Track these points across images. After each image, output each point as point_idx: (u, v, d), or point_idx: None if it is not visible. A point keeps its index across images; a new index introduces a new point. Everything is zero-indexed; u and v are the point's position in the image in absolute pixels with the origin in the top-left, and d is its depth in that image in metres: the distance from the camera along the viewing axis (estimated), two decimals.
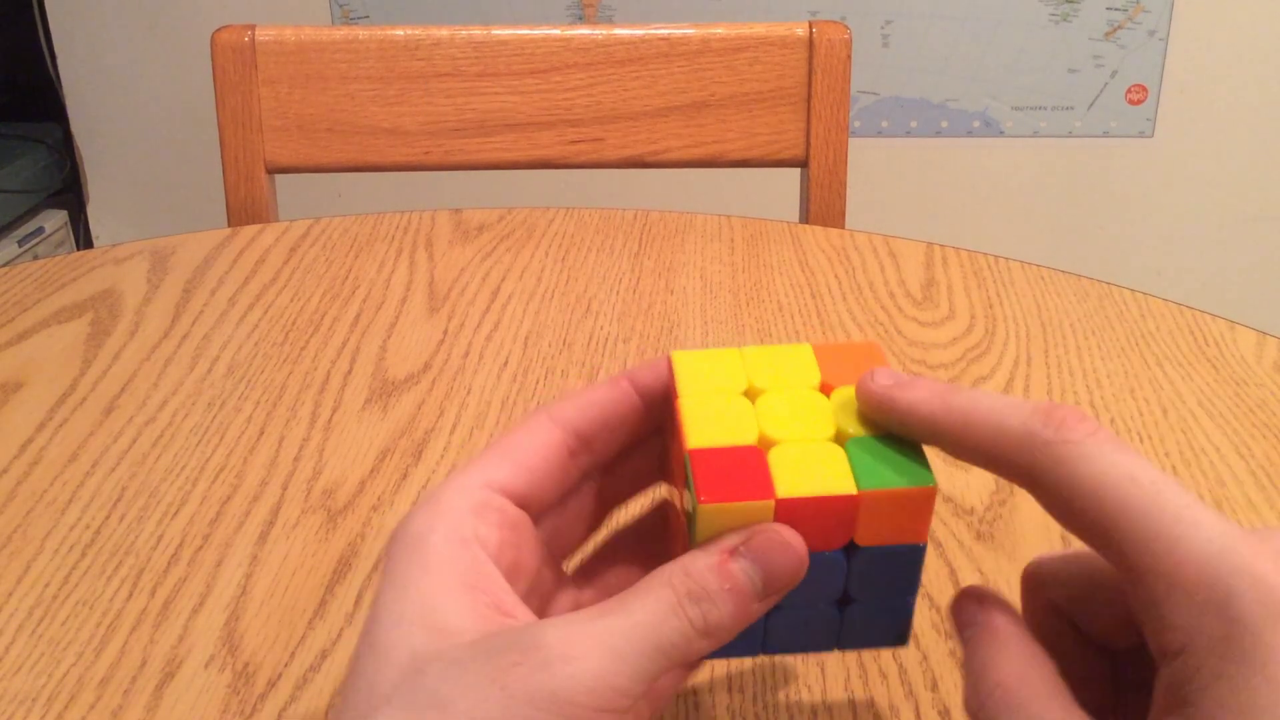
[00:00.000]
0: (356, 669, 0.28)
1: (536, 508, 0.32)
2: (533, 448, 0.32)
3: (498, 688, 0.25)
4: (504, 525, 0.31)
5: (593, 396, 0.33)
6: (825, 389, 0.32)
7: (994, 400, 0.29)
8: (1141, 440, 0.55)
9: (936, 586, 0.45)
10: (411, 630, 0.27)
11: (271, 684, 0.41)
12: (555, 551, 0.34)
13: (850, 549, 0.30)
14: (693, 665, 0.29)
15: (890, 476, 0.29)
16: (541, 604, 0.33)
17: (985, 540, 0.48)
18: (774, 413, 0.31)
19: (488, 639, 0.27)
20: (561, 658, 0.26)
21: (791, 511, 0.29)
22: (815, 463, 0.29)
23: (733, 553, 0.28)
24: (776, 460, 0.29)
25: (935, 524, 0.49)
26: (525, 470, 0.32)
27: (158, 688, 0.41)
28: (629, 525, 0.36)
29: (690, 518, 0.29)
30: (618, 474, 0.35)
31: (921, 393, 0.30)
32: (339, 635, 0.44)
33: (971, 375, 0.61)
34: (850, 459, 0.29)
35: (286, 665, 0.42)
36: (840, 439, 0.30)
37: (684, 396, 0.31)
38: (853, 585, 0.30)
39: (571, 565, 0.36)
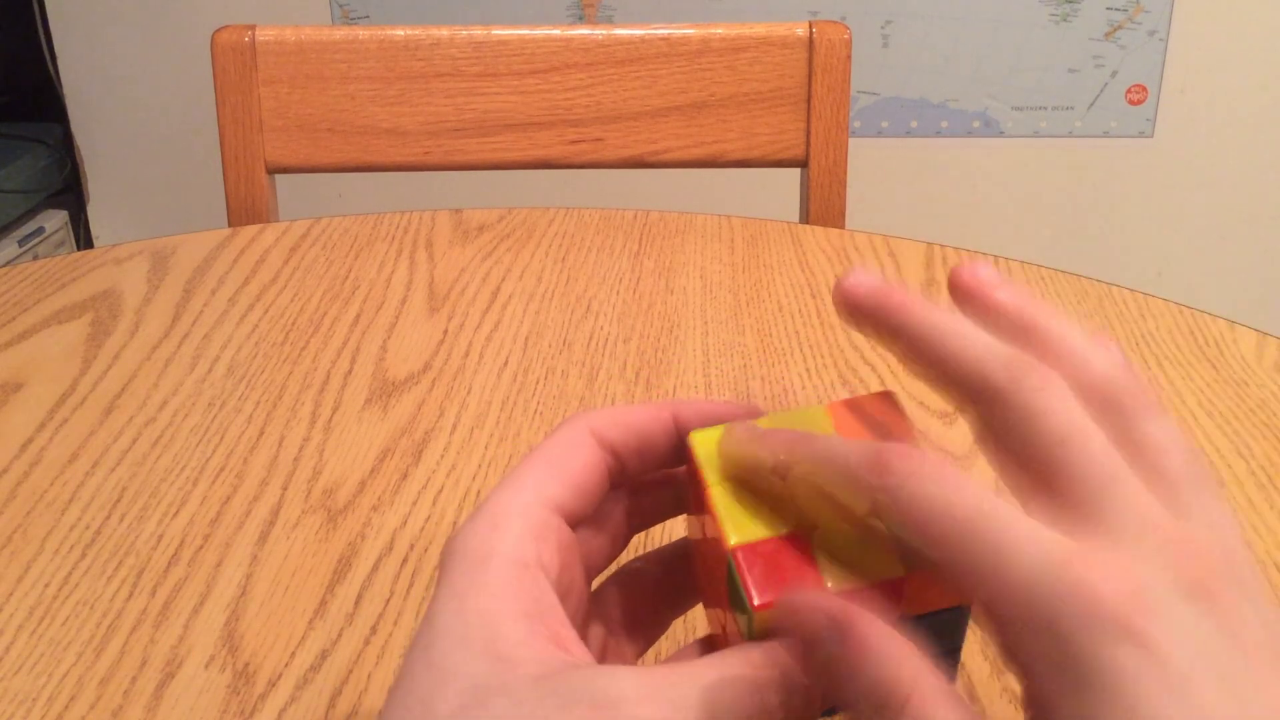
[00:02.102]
0: (411, 685, 0.27)
1: (576, 526, 0.32)
2: (579, 464, 0.32)
3: None
4: (561, 548, 0.30)
5: (634, 418, 0.33)
6: None
7: (837, 445, 0.28)
8: None
9: None
10: (473, 656, 0.27)
11: (271, 684, 0.41)
12: (585, 572, 0.34)
13: (899, 619, 0.29)
14: None
15: None
16: (581, 631, 0.32)
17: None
18: (805, 491, 0.30)
19: (555, 679, 0.26)
20: (630, 704, 0.25)
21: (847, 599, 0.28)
22: (858, 546, 0.29)
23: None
24: (821, 549, 0.29)
25: None
26: (576, 488, 0.31)
27: (158, 688, 0.41)
28: (644, 557, 0.36)
29: (743, 613, 0.29)
30: (646, 497, 0.35)
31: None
32: (339, 635, 0.44)
33: None
34: (891, 536, 0.29)
35: (286, 665, 0.42)
36: (871, 520, 0.29)
37: (713, 485, 0.31)
38: None
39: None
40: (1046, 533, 0.24)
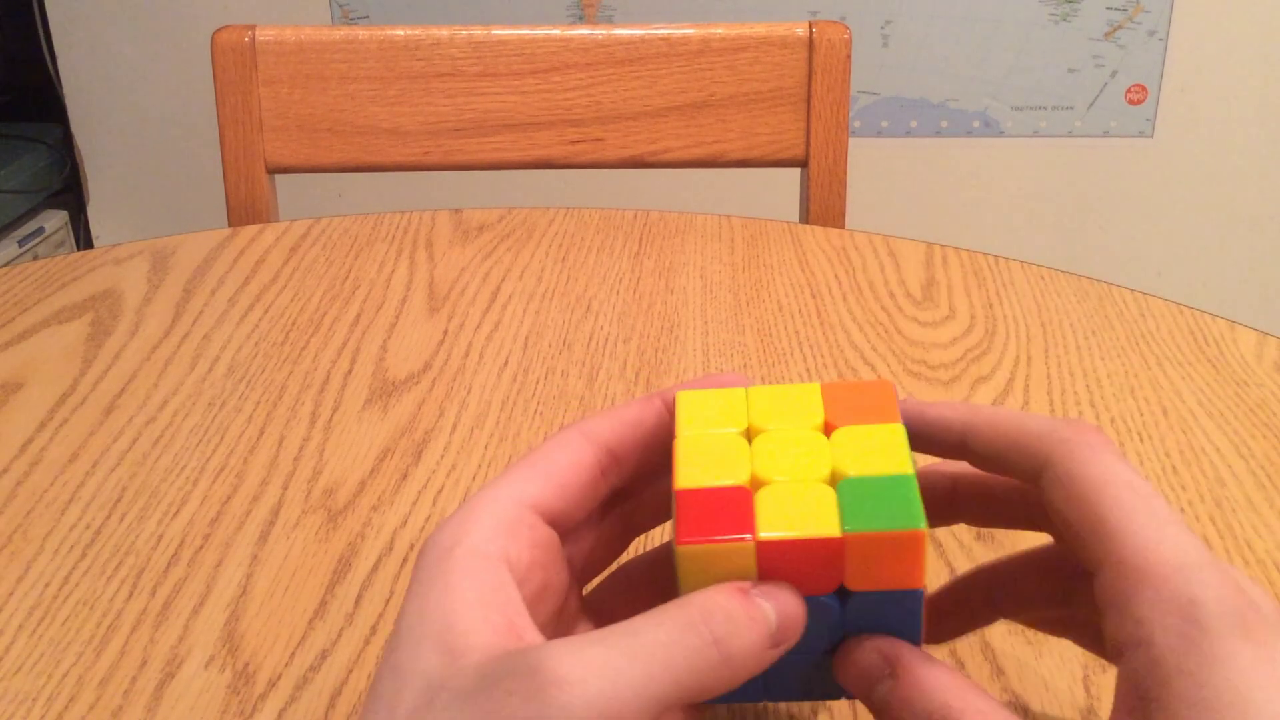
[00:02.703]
0: (379, 688, 0.27)
1: (565, 527, 0.32)
2: (566, 464, 0.31)
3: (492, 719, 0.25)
4: (535, 545, 0.30)
5: (625, 414, 0.33)
6: (828, 429, 0.31)
7: (1012, 411, 0.32)
8: (1141, 440, 0.55)
9: (936, 586, 0.45)
10: (426, 653, 0.27)
11: (271, 684, 0.41)
12: (577, 575, 0.34)
13: (843, 594, 0.29)
14: (698, 709, 0.28)
15: (878, 518, 0.28)
16: (565, 630, 0.32)
17: (985, 540, 0.48)
18: (769, 453, 0.30)
19: (491, 664, 0.26)
20: (557, 682, 0.24)
21: (774, 553, 0.28)
22: (803, 504, 0.28)
23: (747, 590, 0.28)
24: (764, 501, 0.29)
25: None
26: (558, 487, 0.31)
27: (158, 688, 0.41)
28: (645, 556, 0.36)
29: (674, 559, 0.29)
30: (644, 499, 0.35)
31: (945, 409, 0.33)
32: (339, 635, 0.44)
33: (971, 375, 0.61)
34: (840, 500, 0.28)
35: (286, 665, 0.42)
36: (835, 480, 0.29)
37: (680, 436, 0.31)
38: (850, 631, 0.30)
39: (585, 591, 0.35)
40: (1200, 543, 0.28)
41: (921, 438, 0.33)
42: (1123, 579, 0.27)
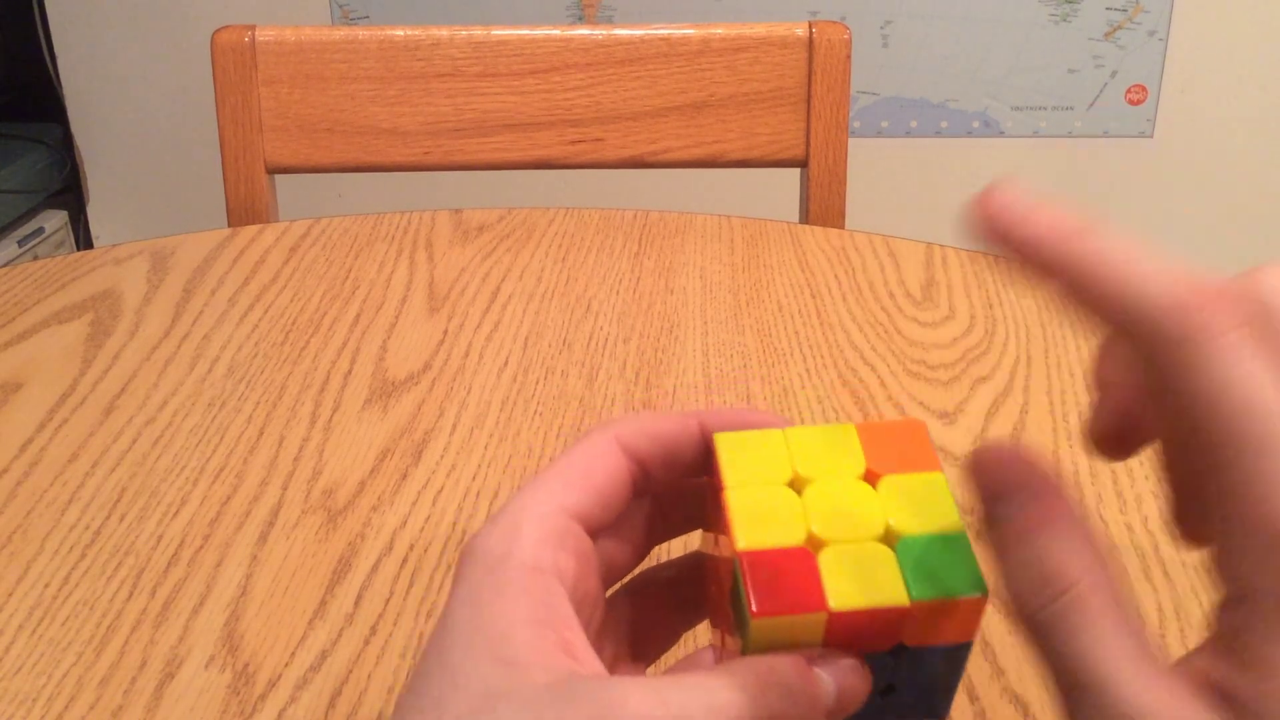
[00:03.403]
0: (424, 685, 0.27)
1: (596, 533, 0.32)
2: (603, 472, 0.31)
3: None
4: (579, 555, 0.30)
5: (661, 428, 0.33)
6: (870, 476, 0.31)
7: (1134, 258, 0.25)
8: None
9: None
10: (484, 660, 0.27)
11: (271, 684, 0.41)
12: (603, 581, 0.34)
13: (898, 648, 0.30)
14: None
15: (942, 584, 0.28)
16: (595, 640, 0.32)
17: (986, 540, 0.48)
18: (821, 508, 0.30)
19: (563, 686, 0.26)
20: (633, 716, 0.25)
21: (843, 622, 0.28)
22: (866, 569, 0.29)
23: (813, 663, 0.28)
24: (828, 567, 0.29)
25: None
26: (598, 497, 0.31)
27: (158, 688, 0.41)
28: (664, 566, 0.36)
29: (741, 621, 0.29)
30: (668, 509, 0.35)
31: (1044, 227, 0.26)
32: (339, 635, 0.44)
33: (972, 375, 0.61)
34: (901, 563, 0.29)
35: (286, 665, 0.42)
36: (889, 537, 0.29)
37: (730, 489, 0.31)
38: (898, 679, 0.30)
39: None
40: None
41: (1014, 246, 0.27)
42: (1232, 526, 0.23)
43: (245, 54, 0.91)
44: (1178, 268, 0.24)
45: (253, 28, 0.91)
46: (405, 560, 0.48)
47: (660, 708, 0.26)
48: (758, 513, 0.30)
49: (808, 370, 0.62)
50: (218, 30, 0.91)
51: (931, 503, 0.30)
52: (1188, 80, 1.82)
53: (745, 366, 0.62)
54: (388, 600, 0.45)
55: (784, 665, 0.28)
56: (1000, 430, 0.56)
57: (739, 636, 0.29)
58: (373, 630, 0.44)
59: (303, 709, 0.40)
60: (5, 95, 1.99)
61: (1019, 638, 0.42)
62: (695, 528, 0.35)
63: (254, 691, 0.41)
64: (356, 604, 0.45)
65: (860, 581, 0.28)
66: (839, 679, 0.28)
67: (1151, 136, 1.85)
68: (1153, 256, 0.25)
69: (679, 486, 0.34)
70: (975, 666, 0.42)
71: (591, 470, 0.31)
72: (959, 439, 0.55)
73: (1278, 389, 0.23)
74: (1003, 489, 0.26)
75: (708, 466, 0.32)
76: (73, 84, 1.97)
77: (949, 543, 0.29)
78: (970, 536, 0.29)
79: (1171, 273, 0.24)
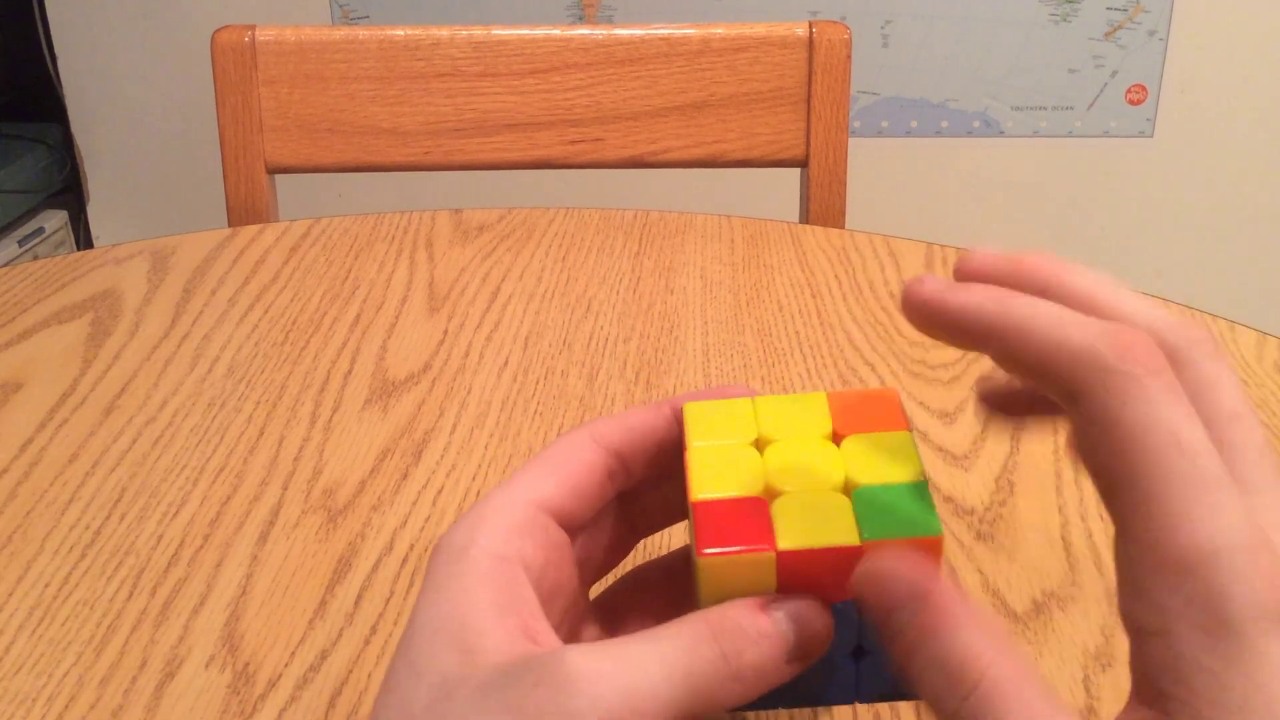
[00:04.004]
0: (392, 682, 0.27)
1: (573, 529, 0.32)
2: (575, 465, 0.32)
3: (516, 712, 0.25)
4: (548, 545, 0.30)
5: (633, 419, 0.33)
6: (836, 438, 0.31)
7: (1057, 312, 0.26)
8: None
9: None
10: (444, 649, 0.27)
11: (271, 684, 0.41)
12: (583, 577, 0.34)
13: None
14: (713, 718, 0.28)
15: (895, 526, 0.28)
16: (573, 630, 0.33)
17: (985, 540, 0.48)
18: (781, 463, 0.30)
19: (513, 663, 0.26)
20: (585, 676, 0.25)
21: (794, 563, 0.28)
22: (820, 513, 0.29)
23: (766, 605, 0.28)
24: (780, 511, 0.29)
25: None
26: (570, 490, 0.31)
27: (158, 688, 0.41)
28: (653, 561, 0.36)
29: (693, 569, 0.29)
30: (649, 502, 0.35)
31: (975, 296, 0.28)
32: (339, 635, 0.44)
33: (972, 375, 0.61)
34: (855, 509, 0.29)
35: (286, 665, 0.42)
36: (848, 489, 0.30)
37: (692, 447, 0.31)
38: (866, 637, 0.30)
39: (593, 594, 0.35)
40: (1238, 505, 0.24)
41: (941, 328, 0.29)
42: (1145, 558, 0.24)
43: (245, 54, 0.91)
44: (1093, 321, 0.26)
45: (253, 28, 0.91)
46: (405, 560, 0.48)
47: (608, 662, 0.26)
48: (716, 467, 0.30)
49: (808, 370, 0.62)
50: (218, 30, 0.91)
51: (895, 457, 0.30)
52: (1188, 80, 1.82)
53: (745, 366, 0.62)
54: (388, 600, 0.45)
55: (733, 609, 0.28)
56: (1000, 430, 0.56)
57: (695, 593, 0.29)
58: (373, 630, 0.44)
59: (303, 709, 0.40)
60: (5, 95, 1.99)
61: (1019, 638, 0.43)
62: (677, 520, 0.35)
63: (254, 691, 0.41)
64: (356, 604, 0.45)
65: (812, 525, 0.29)
66: (796, 619, 0.28)
67: (1151, 136, 1.85)
68: (1066, 312, 0.26)
69: (662, 480, 0.34)
70: None
71: (563, 464, 0.32)
72: (959, 439, 0.55)
73: (1188, 427, 0.24)
74: (891, 602, 0.26)
75: (681, 444, 0.33)
76: (73, 84, 1.97)
77: (907, 490, 0.29)
78: (931, 488, 0.29)
79: (1089, 326, 0.25)
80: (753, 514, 0.29)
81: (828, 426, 0.31)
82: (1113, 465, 0.25)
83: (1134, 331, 0.25)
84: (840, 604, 0.29)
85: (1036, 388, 0.27)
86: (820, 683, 0.31)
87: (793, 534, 0.28)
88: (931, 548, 0.28)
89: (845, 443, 0.31)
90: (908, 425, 0.31)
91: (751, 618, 0.27)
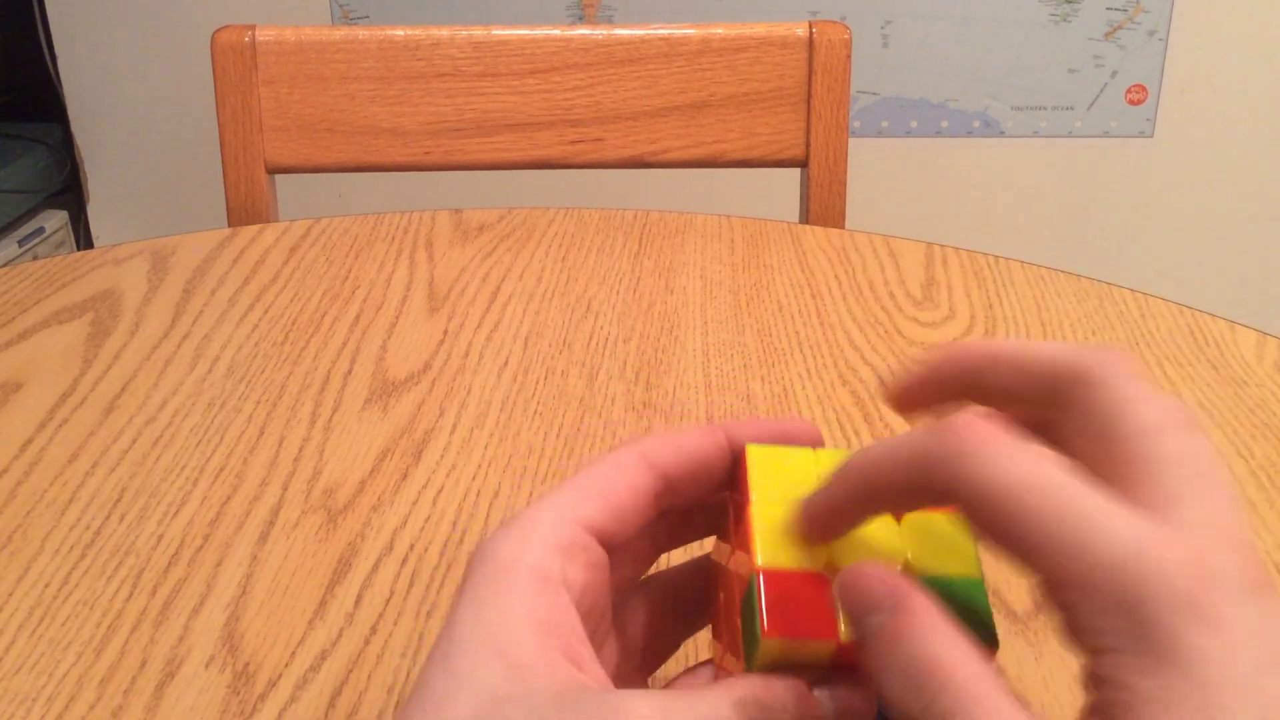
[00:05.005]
0: (428, 689, 0.27)
1: (612, 548, 0.32)
2: (625, 488, 0.31)
3: None
4: (590, 567, 0.30)
5: (688, 443, 0.32)
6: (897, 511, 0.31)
7: (895, 441, 0.28)
8: None
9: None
10: (489, 663, 0.27)
11: (271, 684, 0.41)
12: (613, 593, 0.34)
13: None
14: None
15: None
16: (597, 647, 0.32)
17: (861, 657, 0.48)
18: (845, 538, 0.30)
19: (571, 696, 0.26)
20: None
21: (852, 653, 0.28)
22: None
23: (815, 682, 0.28)
24: None
25: None
26: (615, 511, 0.31)
27: (158, 688, 0.41)
28: (668, 572, 0.36)
29: (750, 638, 0.29)
30: (677, 518, 0.34)
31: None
32: (339, 635, 0.44)
33: None
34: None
35: (286, 665, 0.42)
36: (907, 573, 0.29)
37: (756, 504, 0.31)
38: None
39: None
40: (1127, 512, 0.25)
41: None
42: (1062, 594, 0.25)
43: (245, 54, 0.91)
44: (918, 432, 0.28)
45: (253, 28, 0.91)
46: (405, 560, 0.48)
47: (664, 716, 0.26)
48: (780, 532, 0.30)
49: (808, 370, 0.62)
50: (218, 30, 0.91)
51: (952, 544, 0.30)
52: (1188, 80, 1.82)
53: (745, 366, 0.62)
54: (388, 600, 0.45)
55: (783, 686, 0.28)
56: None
57: (745, 651, 0.29)
58: (373, 630, 0.44)
59: (303, 709, 0.40)
60: (5, 95, 1.99)
61: (1019, 639, 0.42)
62: (701, 537, 0.35)
63: (254, 691, 0.41)
64: (356, 604, 0.45)
65: None
66: (840, 701, 0.28)
67: (1151, 136, 1.85)
68: (904, 437, 0.28)
69: (696, 499, 0.34)
70: None
71: (612, 484, 0.31)
72: None
73: (1038, 470, 0.26)
74: (866, 604, 0.27)
75: (733, 476, 0.32)
76: (73, 84, 1.97)
77: (965, 588, 0.29)
78: (986, 585, 0.29)
79: (916, 437, 0.28)
80: (817, 594, 0.29)
81: None
82: (1002, 533, 0.26)
83: (959, 416, 0.27)
84: None
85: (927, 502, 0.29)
86: None
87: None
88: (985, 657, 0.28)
89: (906, 521, 0.31)
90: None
91: (799, 700, 0.28)
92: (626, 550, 0.33)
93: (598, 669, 0.28)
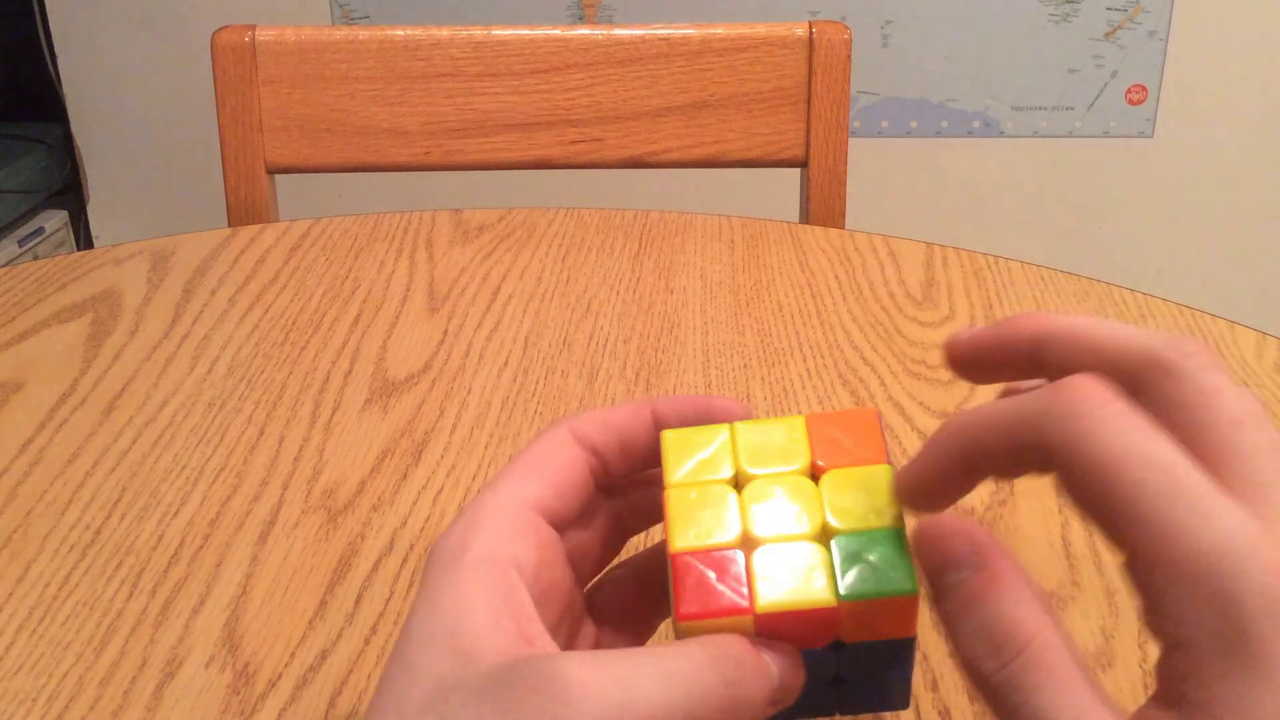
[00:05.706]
0: (386, 686, 0.27)
1: (562, 525, 0.32)
2: (559, 464, 0.32)
3: (509, 716, 0.25)
4: (541, 545, 0.30)
5: (614, 418, 0.33)
6: (815, 470, 0.31)
7: (998, 402, 0.28)
8: None
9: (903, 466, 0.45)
10: (439, 653, 0.27)
11: (271, 684, 0.41)
12: (578, 574, 0.34)
13: (838, 644, 0.30)
14: None
15: (872, 583, 0.28)
16: (572, 629, 0.33)
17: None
18: (759, 506, 0.30)
19: (508, 667, 0.26)
20: (580, 686, 0.25)
21: (772, 622, 0.28)
22: (797, 567, 0.29)
23: (758, 645, 0.28)
24: (759, 565, 0.29)
25: None
26: (555, 487, 0.31)
27: (158, 688, 0.41)
28: (641, 555, 0.36)
29: (674, 619, 0.29)
30: (637, 500, 0.35)
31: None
32: (339, 635, 0.44)
33: None
34: (833, 561, 0.29)
35: (286, 665, 0.42)
36: (825, 534, 0.29)
37: (670, 488, 0.31)
38: (844, 671, 0.30)
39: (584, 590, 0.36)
40: (1235, 507, 0.24)
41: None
42: (1152, 577, 0.24)
43: (245, 54, 0.91)
44: (1039, 389, 0.27)
45: (253, 28, 0.91)
46: (405, 560, 0.48)
47: (605, 676, 0.26)
48: (694, 512, 0.30)
49: (808, 370, 0.62)
50: (218, 30, 0.91)
51: (872, 498, 0.30)
52: (1188, 80, 1.82)
53: (745, 366, 0.62)
54: (388, 600, 0.45)
55: (733, 640, 0.28)
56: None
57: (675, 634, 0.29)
58: (373, 630, 0.44)
59: (303, 709, 0.40)
60: (5, 95, 1.99)
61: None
62: (660, 519, 0.35)
63: (254, 691, 0.41)
64: (356, 604, 0.45)
65: (790, 582, 0.28)
66: (779, 665, 0.28)
67: (1151, 136, 1.85)
68: (1014, 399, 0.27)
69: (646, 478, 0.34)
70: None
71: (548, 462, 0.32)
72: None
73: (1154, 446, 0.25)
74: (948, 559, 0.27)
75: (657, 456, 0.33)
76: (73, 84, 1.97)
77: (884, 539, 0.29)
78: (908, 532, 0.29)
79: (1038, 394, 0.26)
80: (731, 569, 0.29)
81: (806, 457, 0.31)
82: (1101, 502, 0.25)
83: (1078, 377, 0.26)
84: (819, 650, 0.29)
85: (1025, 468, 0.27)
86: (802, 701, 0.31)
87: (771, 593, 0.28)
88: (908, 604, 0.28)
89: (824, 479, 0.30)
90: (887, 456, 0.31)
91: (751, 652, 0.28)
92: (585, 531, 0.34)
93: (549, 644, 0.28)
